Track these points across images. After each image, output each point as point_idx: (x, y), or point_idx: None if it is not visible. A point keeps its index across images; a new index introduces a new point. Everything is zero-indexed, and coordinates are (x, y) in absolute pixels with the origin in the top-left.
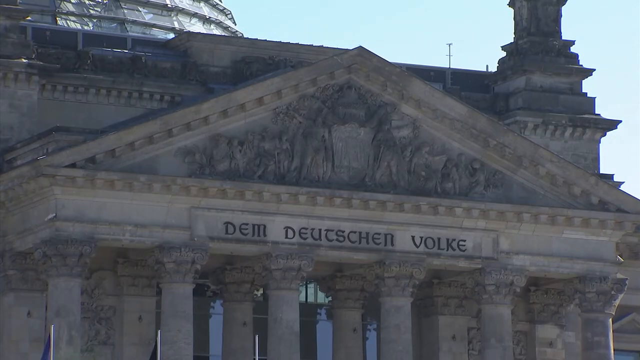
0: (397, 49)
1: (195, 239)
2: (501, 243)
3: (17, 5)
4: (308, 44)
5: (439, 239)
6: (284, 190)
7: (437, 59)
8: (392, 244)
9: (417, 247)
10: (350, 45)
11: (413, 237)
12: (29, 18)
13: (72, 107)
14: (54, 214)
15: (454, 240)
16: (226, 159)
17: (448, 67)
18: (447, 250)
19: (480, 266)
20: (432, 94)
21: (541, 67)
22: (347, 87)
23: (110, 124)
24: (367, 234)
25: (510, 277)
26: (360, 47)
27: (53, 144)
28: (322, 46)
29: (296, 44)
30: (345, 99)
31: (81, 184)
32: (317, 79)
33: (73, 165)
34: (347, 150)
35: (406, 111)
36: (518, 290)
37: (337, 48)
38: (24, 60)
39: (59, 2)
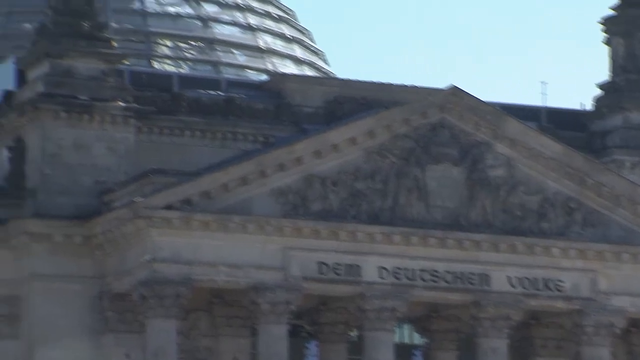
0: (490, 88)
1: (290, 279)
2: (600, 283)
3: (115, 50)
4: (400, 83)
5: (535, 279)
6: (377, 230)
7: (531, 97)
8: (488, 285)
9: (514, 287)
10: (442, 84)
11: (509, 278)
12: (125, 62)
13: (168, 149)
14: (151, 256)
15: (551, 280)
16: (319, 199)
17: (542, 105)
18: (544, 290)
19: (578, 307)
20: (527, 133)
21: (639, 105)
22: (440, 126)
23: (205, 165)
24: (462, 274)
25: (610, 318)
26: (454, 86)
27: (149, 186)
28: (414, 85)
29: (388, 83)
30: (438, 138)
31: (177, 225)
32: (410, 119)
33: (169, 207)
34: (441, 189)
35: (500, 150)
36: (618, 331)
37: (429, 87)
38: (121, 104)
39: (155, 45)
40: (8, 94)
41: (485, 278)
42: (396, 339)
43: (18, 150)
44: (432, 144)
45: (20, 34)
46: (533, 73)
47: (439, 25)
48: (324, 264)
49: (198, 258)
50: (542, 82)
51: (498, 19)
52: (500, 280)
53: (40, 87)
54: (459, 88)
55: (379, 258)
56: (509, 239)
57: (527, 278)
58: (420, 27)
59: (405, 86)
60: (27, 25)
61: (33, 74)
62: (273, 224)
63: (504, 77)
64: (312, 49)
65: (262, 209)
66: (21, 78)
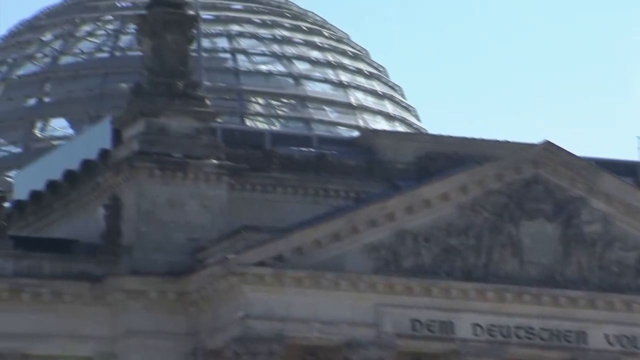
0: (584, 142)
1: (383, 336)
2: None
3: (208, 108)
4: (492, 138)
5: (634, 336)
6: (471, 286)
7: (626, 152)
8: (585, 342)
9: (611, 345)
10: (536, 139)
11: (606, 335)
12: (218, 119)
13: (260, 206)
14: (244, 312)
15: None
16: (412, 255)
17: (639, 160)
18: None
19: None
20: (623, 188)
21: None
22: (534, 181)
23: (297, 221)
24: (558, 331)
25: None
26: (547, 141)
27: (242, 243)
28: (507, 141)
29: (480, 139)
30: (532, 193)
31: (269, 281)
32: (503, 174)
33: (261, 264)
34: (535, 245)
35: (596, 206)
36: None
37: (522, 143)
38: (215, 161)
39: (248, 103)
40: (104, 153)
41: (582, 335)
42: None
43: (114, 208)
44: (526, 199)
45: (117, 94)
46: (629, 127)
47: (531, 79)
48: (417, 320)
49: (291, 314)
50: (638, 137)
51: (592, 73)
52: (597, 338)
53: (135, 146)
54: (552, 143)
55: (473, 315)
56: (606, 296)
57: (625, 336)
58: (511, 82)
59: (498, 141)
60: (123, 85)
61: (128, 132)
62: (365, 281)
63: (599, 132)
64: (403, 105)
65: (355, 265)
66: (117, 137)
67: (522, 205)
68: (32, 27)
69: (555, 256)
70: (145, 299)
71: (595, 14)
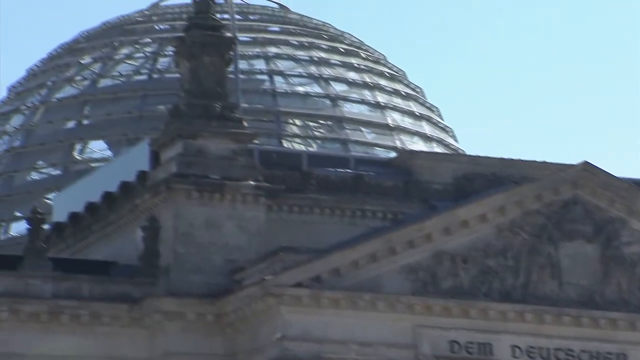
0: (623, 163)
1: (421, 357)
2: None
3: (245, 129)
4: (530, 159)
5: None
6: (509, 308)
7: None
8: None
9: None
10: (574, 159)
11: None
12: (256, 141)
13: (297, 227)
14: (281, 334)
15: None
16: (450, 277)
17: None
18: None
19: None
20: None
21: None
22: (573, 202)
23: (334, 242)
24: (598, 353)
25: None
26: (586, 162)
27: (279, 264)
28: (545, 161)
29: (518, 159)
30: (571, 214)
31: (307, 303)
32: (542, 195)
33: (299, 285)
34: (575, 266)
35: (636, 226)
36: None
37: (560, 163)
38: (252, 183)
39: (285, 124)
40: (142, 175)
41: (622, 357)
42: None
43: (152, 230)
44: (565, 220)
45: (155, 116)
46: None
47: (570, 100)
48: (456, 342)
49: (328, 336)
50: None
51: (629, 94)
52: (638, 359)
53: (173, 168)
54: (591, 164)
55: (512, 337)
56: None
57: None
58: (550, 102)
59: (536, 162)
60: (161, 108)
61: (166, 154)
62: (403, 302)
63: (638, 153)
64: (440, 125)
65: (392, 287)
66: (155, 159)
67: (561, 226)
68: (71, 50)
69: (594, 277)
70: (183, 321)
71: (632, 40)
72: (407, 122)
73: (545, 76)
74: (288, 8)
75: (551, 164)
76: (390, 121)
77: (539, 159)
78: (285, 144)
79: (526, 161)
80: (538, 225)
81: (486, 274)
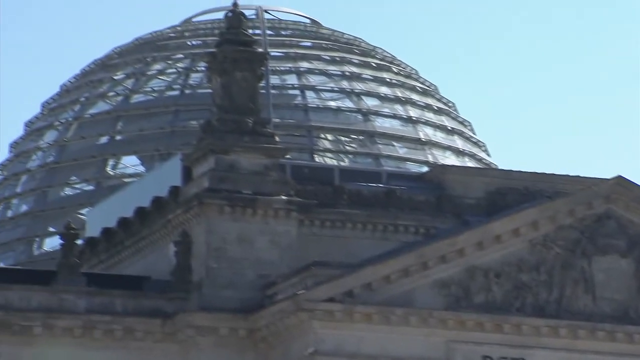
0: None
1: None
2: None
3: (277, 144)
4: (563, 173)
5: None
6: (543, 323)
7: None
8: None
9: None
10: (607, 173)
11: None
12: (287, 156)
13: (329, 242)
14: (314, 348)
15: None
16: (483, 292)
17: None
18: None
19: None
20: None
21: None
22: (607, 217)
23: (366, 257)
24: None
25: None
26: (619, 176)
27: (311, 279)
28: (578, 176)
29: (551, 174)
30: (604, 229)
31: (339, 317)
32: (575, 210)
33: (331, 300)
34: (609, 281)
35: None
36: None
37: (593, 177)
38: (284, 198)
39: (317, 139)
40: (175, 190)
41: None
42: None
43: (184, 245)
44: (599, 235)
45: (187, 132)
46: None
47: (602, 113)
48: (489, 357)
49: (360, 351)
50: None
51: None
52: None
53: (205, 183)
54: (624, 178)
55: (546, 352)
56: None
57: None
58: (582, 116)
59: (569, 176)
60: (193, 123)
61: (198, 169)
62: (436, 317)
63: None
64: (473, 140)
65: (425, 301)
66: (187, 174)
67: (594, 240)
68: (104, 66)
69: (629, 292)
70: (216, 336)
71: None
72: (439, 136)
73: (578, 92)
74: (320, 23)
75: (584, 178)
76: (422, 135)
77: (572, 173)
78: (317, 158)
79: (559, 175)
80: (571, 240)
81: (519, 289)
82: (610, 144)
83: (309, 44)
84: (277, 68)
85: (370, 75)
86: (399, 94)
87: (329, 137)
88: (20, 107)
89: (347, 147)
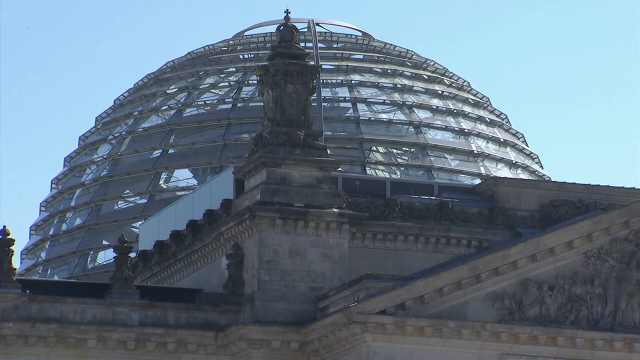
0: None
1: None
2: None
3: (329, 157)
4: (619, 185)
5: None
6: (598, 336)
7: None
8: None
9: None
10: None
11: None
12: (339, 168)
13: (381, 254)
14: None
15: None
16: (536, 304)
17: None
18: None
19: None
20: None
21: None
22: None
23: (419, 270)
24: None
25: None
26: None
27: (363, 291)
28: (633, 188)
29: (606, 186)
30: None
31: (391, 330)
32: (630, 222)
33: (383, 312)
34: None
35: None
36: None
37: None
38: (335, 210)
39: (368, 151)
40: (227, 203)
41: None
42: None
43: (236, 258)
44: None
45: (239, 145)
46: None
47: None
48: None
49: None
50: None
51: None
52: None
53: (257, 195)
54: None
55: None
56: None
57: None
58: (636, 127)
59: (624, 188)
60: (245, 136)
61: (250, 182)
62: (489, 330)
63: None
64: (525, 152)
65: (477, 314)
66: (239, 187)
67: None
68: (157, 80)
69: None
70: (268, 348)
71: None
72: (491, 148)
73: (631, 102)
74: (371, 35)
75: (639, 190)
76: (474, 148)
77: (626, 185)
78: (369, 171)
79: (613, 187)
80: (626, 252)
81: (573, 302)
82: None
83: (360, 56)
84: (329, 81)
85: (422, 88)
86: (451, 106)
87: (381, 149)
88: (74, 121)
89: (399, 160)
